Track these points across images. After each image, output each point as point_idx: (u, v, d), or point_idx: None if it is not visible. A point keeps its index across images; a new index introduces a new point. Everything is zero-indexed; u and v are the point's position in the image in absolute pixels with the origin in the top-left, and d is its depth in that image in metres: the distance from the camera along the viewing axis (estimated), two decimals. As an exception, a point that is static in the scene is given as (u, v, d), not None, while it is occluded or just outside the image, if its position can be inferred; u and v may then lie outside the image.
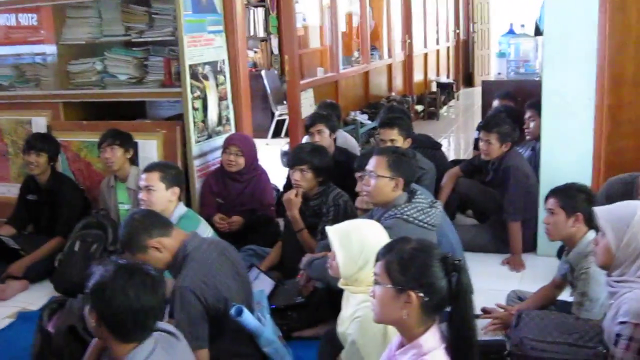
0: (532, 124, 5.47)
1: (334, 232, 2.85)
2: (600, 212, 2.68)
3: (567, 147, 4.74)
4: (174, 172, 4.20)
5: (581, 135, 4.70)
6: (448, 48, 15.60)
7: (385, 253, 2.20)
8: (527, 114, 5.52)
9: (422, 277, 2.11)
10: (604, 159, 4.73)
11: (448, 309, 2.19)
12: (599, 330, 2.80)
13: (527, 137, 5.58)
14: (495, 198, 5.05)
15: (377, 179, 3.57)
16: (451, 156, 8.59)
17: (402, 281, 2.12)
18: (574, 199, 3.35)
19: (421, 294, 2.10)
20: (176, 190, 4.11)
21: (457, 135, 10.92)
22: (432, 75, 14.08)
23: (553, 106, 4.73)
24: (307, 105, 7.73)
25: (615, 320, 2.53)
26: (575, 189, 3.41)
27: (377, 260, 2.23)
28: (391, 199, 3.59)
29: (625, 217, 2.60)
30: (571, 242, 3.37)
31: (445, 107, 13.13)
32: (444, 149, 6.40)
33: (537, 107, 5.01)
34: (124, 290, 2.24)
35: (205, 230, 4.11)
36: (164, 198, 4.04)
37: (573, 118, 4.69)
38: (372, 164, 3.62)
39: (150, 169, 4.14)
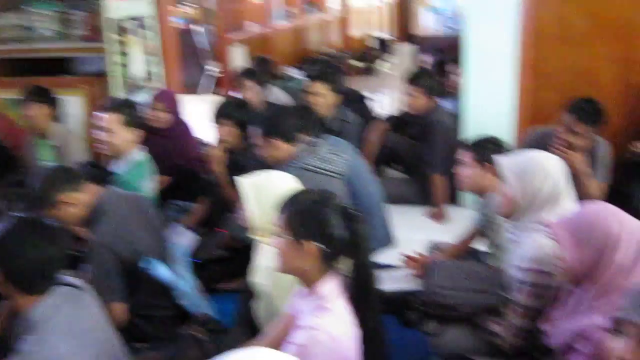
0: (455, 79, 5.52)
1: (245, 183, 2.86)
2: (503, 161, 2.73)
3: (489, 101, 4.81)
4: (132, 111, 3.97)
5: (503, 89, 4.78)
6: (388, 4, 15.53)
7: (285, 205, 2.23)
8: (451, 69, 5.57)
9: (320, 228, 2.14)
10: (526, 112, 4.82)
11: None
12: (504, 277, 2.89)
13: (451, 92, 5.64)
14: (421, 152, 5.11)
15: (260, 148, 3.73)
16: (387, 111, 8.64)
17: (301, 232, 2.15)
18: (484, 150, 3.36)
19: (320, 245, 2.14)
20: (136, 130, 3.93)
21: (393, 90, 10.94)
22: (370, 31, 14.04)
23: (475, 61, 4.80)
24: (238, 60, 7.67)
25: (516, 266, 2.59)
26: (486, 141, 3.44)
27: (278, 212, 2.25)
28: (286, 156, 3.66)
29: (527, 167, 2.64)
30: (483, 193, 3.43)
31: (382, 63, 13.14)
32: (378, 104, 6.43)
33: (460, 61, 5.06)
34: (24, 242, 2.25)
35: (150, 184, 4.00)
36: (125, 140, 3.88)
37: (495, 72, 4.76)
38: None
39: (108, 109, 3.91)
